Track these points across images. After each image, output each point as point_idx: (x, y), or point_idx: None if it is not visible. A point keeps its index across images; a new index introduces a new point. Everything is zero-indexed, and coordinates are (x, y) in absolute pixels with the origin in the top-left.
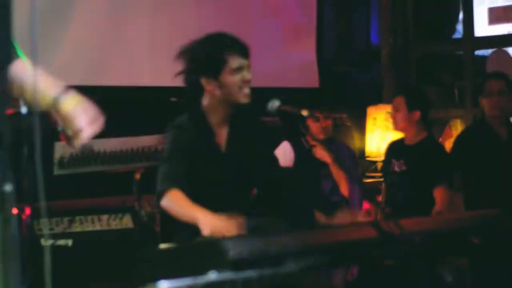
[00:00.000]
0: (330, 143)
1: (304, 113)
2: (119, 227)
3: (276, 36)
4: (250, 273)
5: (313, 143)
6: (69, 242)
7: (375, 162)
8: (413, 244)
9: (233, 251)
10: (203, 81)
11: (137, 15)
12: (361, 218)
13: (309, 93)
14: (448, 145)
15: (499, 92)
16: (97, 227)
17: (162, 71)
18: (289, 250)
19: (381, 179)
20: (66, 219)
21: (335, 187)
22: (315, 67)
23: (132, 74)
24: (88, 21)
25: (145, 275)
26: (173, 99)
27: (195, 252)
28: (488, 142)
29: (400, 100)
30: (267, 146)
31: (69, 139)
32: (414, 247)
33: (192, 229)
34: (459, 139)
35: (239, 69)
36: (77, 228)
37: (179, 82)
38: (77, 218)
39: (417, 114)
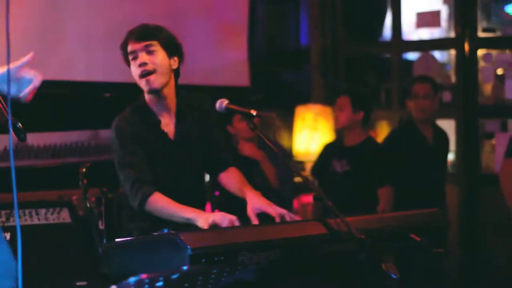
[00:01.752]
0: (260, 141)
1: (253, 112)
2: (56, 221)
3: (208, 35)
4: (209, 267)
5: (242, 141)
6: (7, 236)
7: (302, 162)
8: (359, 241)
9: (190, 244)
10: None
11: (72, 10)
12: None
13: (239, 92)
14: None
15: (424, 96)
16: (35, 221)
17: (96, 66)
18: (243, 244)
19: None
20: (3, 212)
21: (267, 183)
22: (246, 66)
23: (67, 69)
24: (25, 14)
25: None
26: (107, 95)
27: (154, 245)
28: (415, 144)
29: (345, 100)
30: (217, 131)
31: (18, 133)
32: (360, 244)
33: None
34: (387, 140)
35: (134, 54)
36: (14, 221)
37: (112, 77)
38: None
39: (361, 114)
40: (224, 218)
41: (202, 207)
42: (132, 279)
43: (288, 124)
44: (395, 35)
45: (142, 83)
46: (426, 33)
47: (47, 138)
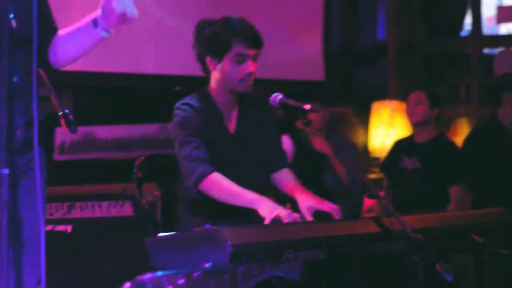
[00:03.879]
0: (331, 136)
1: (307, 107)
2: (119, 214)
3: (282, 28)
4: (250, 264)
5: (313, 135)
6: (68, 228)
7: (378, 158)
8: (413, 241)
9: (231, 240)
10: (208, 60)
11: (142, 3)
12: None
13: (313, 86)
14: None
15: None
16: (97, 213)
17: (167, 60)
18: (289, 241)
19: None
20: (65, 205)
21: (338, 179)
22: (320, 61)
23: (137, 62)
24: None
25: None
26: (177, 88)
27: (195, 241)
28: (499, 142)
29: (423, 95)
30: (274, 132)
31: (69, 124)
32: (415, 244)
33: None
34: (470, 138)
35: (241, 57)
36: (76, 214)
37: (183, 71)
38: (77, 204)
39: (436, 111)
40: (290, 215)
41: None
42: (146, 276)
43: (364, 120)
44: (475, 30)
45: (240, 85)
46: (506, 28)
47: (115, 131)
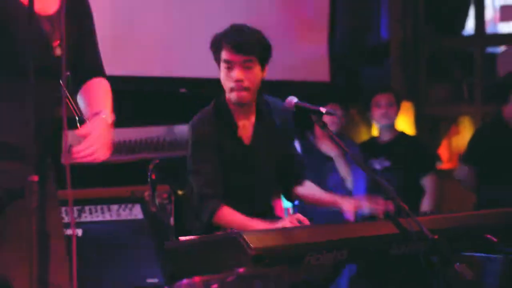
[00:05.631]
0: (338, 137)
1: (323, 110)
2: (128, 217)
3: (288, 29)
4: (281, 268)
5: (321, 136)
6: (79, 232)
7: None
8: (431, 242)
9: (254, 244)
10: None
11: (150, 6)
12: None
13: (318, 87)
14: (456, 141)
15: None
16: (107, 217)
17: (173, 62)
18: (311, 244)
19: None
20: (75, 209)
21: (341, 181)
22: (326, 61)
23: (143, 64)
24: (101, 11)
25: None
26: (182, 90)
27: (217, 245)
28: (505, 141)
29: (393, 97)
30: (290, 139)
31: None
32: (433, 244)
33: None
34: (476, 136)
35: (228, 63)
36: (86, 217)
37: (189, 73)
38: (87, 208)
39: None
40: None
41: (272, 214)
42: (185, 281)
43: (368, 119)
44: (478, 29)
45: (231, 95)
46: (508, 27)
47: (122, 134)
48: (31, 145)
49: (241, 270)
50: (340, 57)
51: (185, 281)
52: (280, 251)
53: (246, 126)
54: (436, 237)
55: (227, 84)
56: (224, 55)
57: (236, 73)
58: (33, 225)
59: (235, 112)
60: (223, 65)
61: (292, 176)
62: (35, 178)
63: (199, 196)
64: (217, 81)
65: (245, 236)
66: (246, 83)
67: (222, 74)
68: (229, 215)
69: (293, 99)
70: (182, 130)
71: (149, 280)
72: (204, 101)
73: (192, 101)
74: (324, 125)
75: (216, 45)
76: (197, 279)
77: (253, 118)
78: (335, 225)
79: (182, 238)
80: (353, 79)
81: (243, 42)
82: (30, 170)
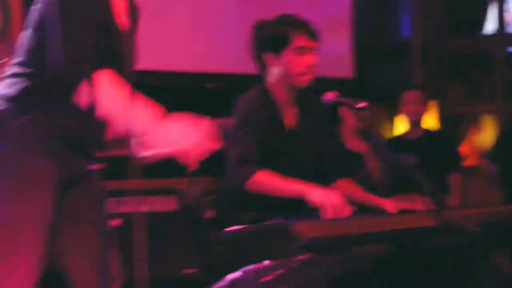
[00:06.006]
0: (365, 134)
1: (360, 105)
2: (164, 209)
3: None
4: (330, 257)
5: (348, 132)
6: (118, 223)
7: None
8: (471, 235)
9: (303, 234)
10: (267, 56)
11: (177, 2)
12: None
13: (342, 83)
14: (477, 139)
15: None
16: (144, 208)
17: (199, 57)
18: (358, 235)
19: None
20: (113, 200)
21: (369, 178)
22: (350, 58)
23: (170, 60)
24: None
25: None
26: (208, 85)
27: (265, 235)
28: None
29: (421, 94)
30: (328, 139)
31: None
32: (473, 237)
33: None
34: (503, 134)
35: (303, 49)
36: (124, 208)
37: (215, 68)
38: (125, 199)
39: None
40: (341, 200)
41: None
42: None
43: (390, 117)
44: (499, 28)
45: (300, 79)
46: None
47: None
48: (92, 137)
49: (303, 256)
50: (363, 54)
51: (251, 266)
52: (329, 241)
53: (289, 114)
54: (476, 230)
55: (296, 69)
56: (297, 41)
57: (312, 58)
58: (98, 213)
59: (278, 98)
60: (293, 52)
61: (326, 172)
62: (98, 166)
63: (236, 160)
64: (243, 76)
65: (294, 225)
66: (314, 70)
67: (290, 61)
68: (267, 178)
69: (332, 94)
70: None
71: (186, 271)
72: (230, 96)
73: (220, 95)
74: (362, 119)
75: (285, 34)
76: (261, 264)
77: (295, 107)
78: (383, 216)
79: (227, 228)
80: (374, 77)
81: (313, 28)
82: (90, 159)
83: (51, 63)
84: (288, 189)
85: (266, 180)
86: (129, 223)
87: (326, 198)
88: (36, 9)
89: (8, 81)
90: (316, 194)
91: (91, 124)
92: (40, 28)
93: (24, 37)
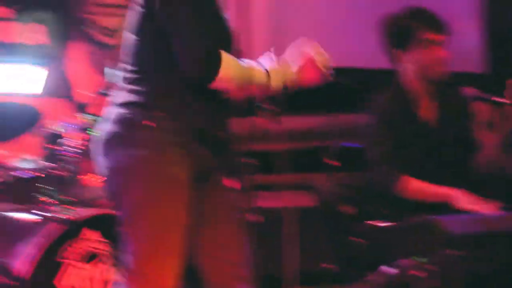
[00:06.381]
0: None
1: (500, 99)
2: (300, 204)
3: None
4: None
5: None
6: (260, 219)
7: None
8: None
9: (450, 230)
10: (395, 52)
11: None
12: None
13: (470, 78)
14: None
15: None
16: (279, 204)
17: (334, 53)
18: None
19: None
20: (255, 194)
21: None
22: (479, 51)
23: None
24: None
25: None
26: (342, 81)
27: (411, 231)
28: None
29: None
30: (470, 125)
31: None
32: None
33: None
34: None
35: (432, 43)
36: (260, 203)
37: (349, 63)
38: (261, 194)
39: None
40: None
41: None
42: (400, 262)
43: None
44: None
45: (436, 73)
46: None
47: (295, 121)
48: (222, 131)
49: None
50: (497, 47)
51: (402, 261)
52: (474, 238)
53: (428, 108)
54: None
55: (429, 63)
56: (427, 35)
57: (443, 53)
58: (235, 210)
59: (413, 93)
60: (420, 46)
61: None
62: (242, 160)
63: (376, 162)
64: (375, 72)
65: (441, 221)
66: (447, 62)
67: (419, 55)
68: (414, 183)
69: (471, 90)
70: (347, 119)
71: (324, 266)
72: (364, 92)
73: (355, 91)
74: (503, 114)
75: (411, 28)
76: (412, 259)
77: (435, 101)
78: None
79: (371, 223)
80: (505, 71)
81: (443, 24)
82: (225, 154)
83: (185, 61)
84: (434, 195)
85: (410, 187)
86: (276, 218)
87: (475, 205)
88: (134, 13)
89: (126, 87)
90: (460, 197)
91: (220, 118)
92: (143, 32)
93: (128, 42)
